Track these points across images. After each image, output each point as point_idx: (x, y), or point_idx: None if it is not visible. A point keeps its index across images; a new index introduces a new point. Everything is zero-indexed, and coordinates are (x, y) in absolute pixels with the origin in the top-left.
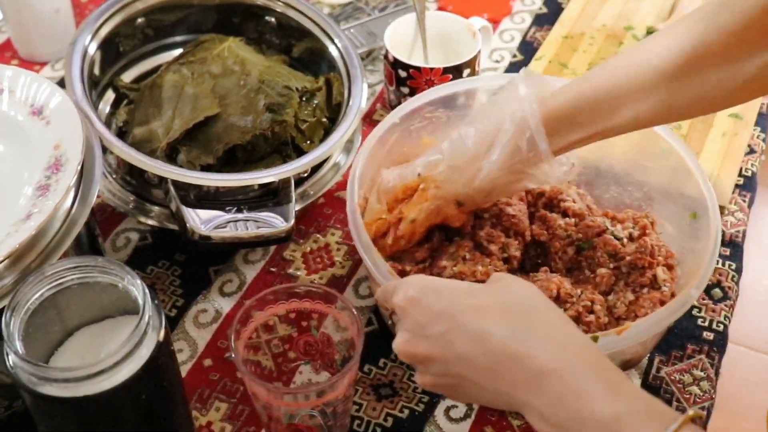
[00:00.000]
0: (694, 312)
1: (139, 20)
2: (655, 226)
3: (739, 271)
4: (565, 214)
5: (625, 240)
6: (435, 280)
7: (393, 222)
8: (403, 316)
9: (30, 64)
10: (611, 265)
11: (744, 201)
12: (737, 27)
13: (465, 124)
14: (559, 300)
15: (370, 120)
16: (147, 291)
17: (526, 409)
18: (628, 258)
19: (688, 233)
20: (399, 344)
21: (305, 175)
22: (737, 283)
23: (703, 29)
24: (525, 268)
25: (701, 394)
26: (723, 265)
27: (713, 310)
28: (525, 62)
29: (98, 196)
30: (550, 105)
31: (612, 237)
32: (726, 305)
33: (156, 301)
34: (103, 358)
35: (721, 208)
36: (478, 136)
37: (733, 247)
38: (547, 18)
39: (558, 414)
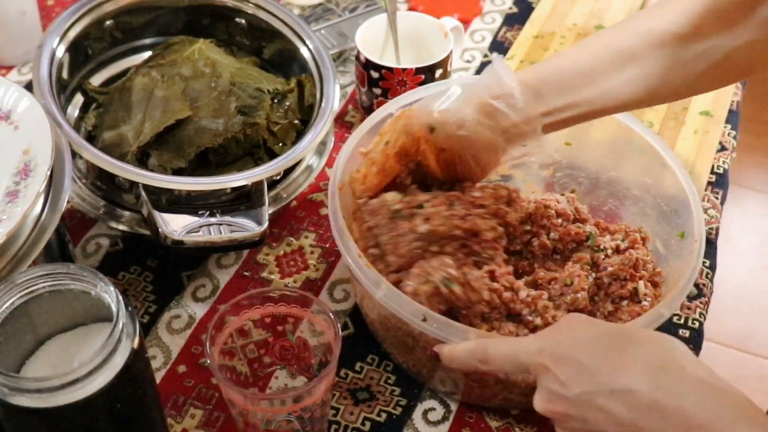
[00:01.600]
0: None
1: (108, 22)
2: (647, 242)
3: (713, 268)
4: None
5: (609, 251)
6: (568, 335)
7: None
8: (542, 374)
9: None
10: (593, 275)
11: (717, 198)
12: None
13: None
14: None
15: (342, 121)
16: (120, 298)
17: None
18: (610, 269)
19: (676, 252)
20: (538, 402)
21: (278, 177)
22: (711, 281)
23: None
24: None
25: None
26: None
27: (688, 308)
28: None
29: (68, 202)
30: (532, 70)
31: (590, 249)
32: (701, 302)
33: (130, 308)
34: (77, 367)
35: None
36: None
37: (707, 245)
38: (517, 18)
39: None
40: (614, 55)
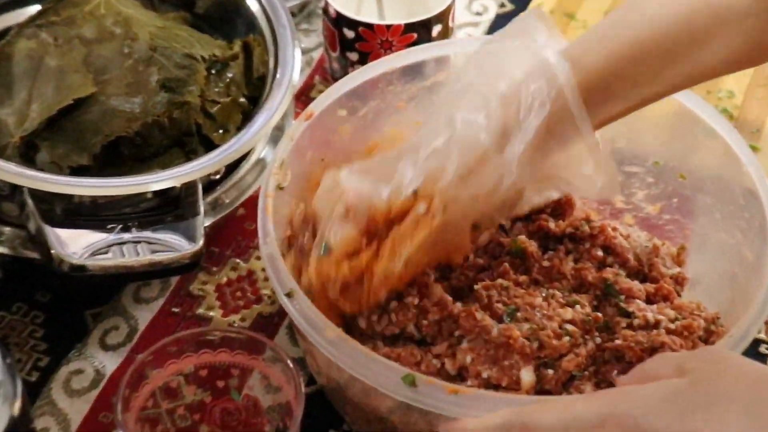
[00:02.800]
0: (761, 349)
1: None
2: (714, 336)
3: None
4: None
5: (636, 321)
6: (636, 394)
7: (369, 265)
8: None
9: None
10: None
11: None
12: None
13: (457, 99)
14: None
15: (306, 98)
16: None
17: None
18: (618, 341)
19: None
20: None
21: (218, 176)
22: None
23: None
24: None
25: None
26: None
27: None
28: (517, 14)
29: None
30: (584, 66)
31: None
32: None
33: (8, 360)
34: None
35: None
36: (491, 122)
37: None
38: None
39: None
40: (708, 19)
